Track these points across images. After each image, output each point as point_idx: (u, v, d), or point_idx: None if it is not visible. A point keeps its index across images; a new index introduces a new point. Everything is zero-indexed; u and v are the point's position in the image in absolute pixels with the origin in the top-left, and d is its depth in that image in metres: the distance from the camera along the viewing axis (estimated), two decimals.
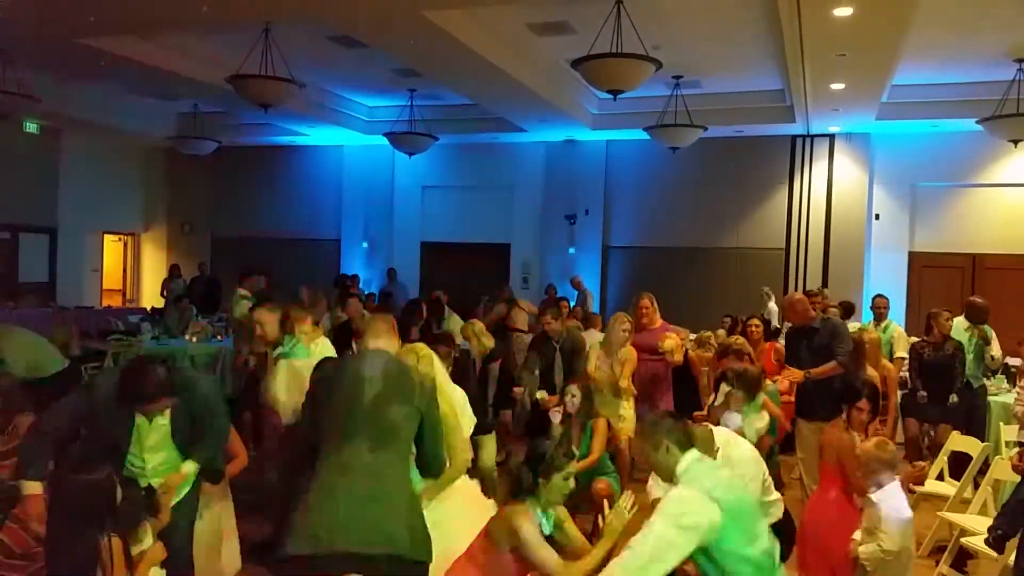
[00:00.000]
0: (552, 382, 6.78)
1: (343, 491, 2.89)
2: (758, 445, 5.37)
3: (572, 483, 3.28)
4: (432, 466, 3.30)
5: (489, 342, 7.21)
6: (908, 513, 3.59)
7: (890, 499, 3.60)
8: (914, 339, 8.80)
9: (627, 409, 6.27)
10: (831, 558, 3.82)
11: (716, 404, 5.56)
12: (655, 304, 7.01)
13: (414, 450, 3.22)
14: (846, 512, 3.93)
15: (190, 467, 3.59)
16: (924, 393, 6.95)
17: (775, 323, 12.00)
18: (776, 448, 5.99)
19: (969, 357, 7.26)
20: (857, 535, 3.68)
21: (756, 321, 7.73)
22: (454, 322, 8.70)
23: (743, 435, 4.91)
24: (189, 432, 3.55)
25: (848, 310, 9.51)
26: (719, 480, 3.05)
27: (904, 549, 3.56)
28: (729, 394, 5.51)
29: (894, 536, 3.51)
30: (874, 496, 3.65)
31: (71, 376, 6.14)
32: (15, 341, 5.83)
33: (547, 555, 3.06)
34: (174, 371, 3.45)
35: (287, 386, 4.74)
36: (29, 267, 14.48)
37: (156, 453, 3.52)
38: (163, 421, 3.48)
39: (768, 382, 6.22)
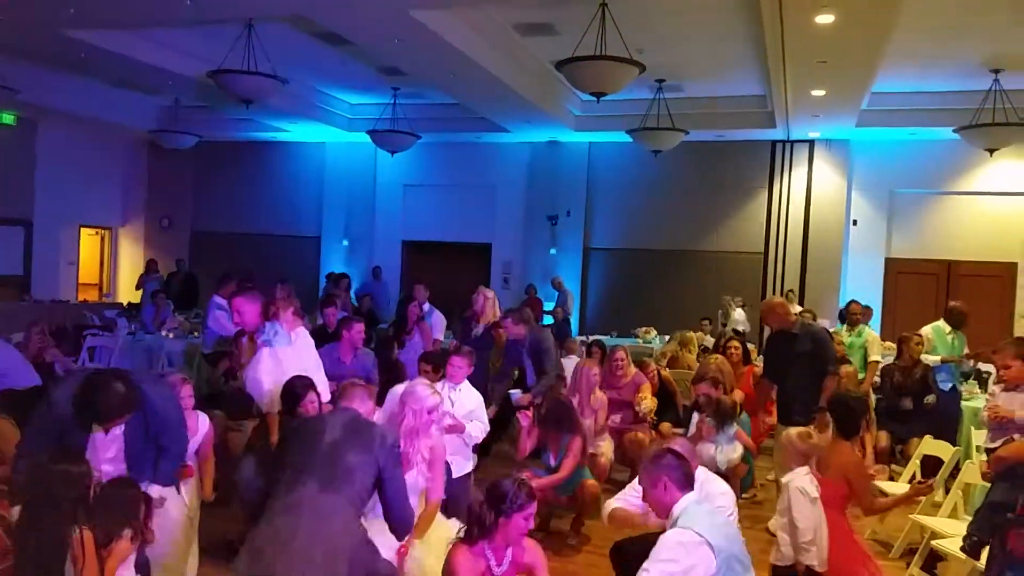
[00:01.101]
0: (525, 384, 6.90)
1: (288, 527, 2.93)
2: (733, 472, 5.45)
3: (532, 525, 3.24)
4: (396, 519, 3.30)
5: None
6: (814, 494, 3.89)
7: (798, 481, 3.91)
8: (888, 344, 8.93)
9: (607, 444, 6.41)
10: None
11: (689, 435, 5.58)
12: (629, 356, 7.11)
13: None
14: (842, 532, 4.00)
15: (156, 491, 3.51)
16: (909, 403, 7.04)
17: (739, 329, 12.14)
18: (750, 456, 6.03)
19: (950, 361, 7.39)
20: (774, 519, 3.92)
21: (736, 343, 7.56)
22: (436, 319, 8.66)
23: (716, 465, 5.01)
24: (142, 448, 3.46)
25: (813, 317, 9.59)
26: (716, 524, 3.07)
27: (818, 527, 3.85)
28: (701, 422, 5.56)
29: (805, 515, 3.82)
30: (784, 479, 4.02)
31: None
32: None
33: None
34: (132, 386, 3.31)
35: (270, 372, 4.72)
36: (4, 260, 14.29)
37: (113, 465, 3.43)
38: (118, 431, 3.40)
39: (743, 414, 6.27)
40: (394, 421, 4.05)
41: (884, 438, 7.00)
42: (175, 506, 3.85)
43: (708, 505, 3.33)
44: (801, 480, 3.94)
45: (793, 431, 4.18)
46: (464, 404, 5.13)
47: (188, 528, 4.04)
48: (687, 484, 3.14)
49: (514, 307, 8.42)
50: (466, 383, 5.25)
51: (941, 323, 7.64)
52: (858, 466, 4.23)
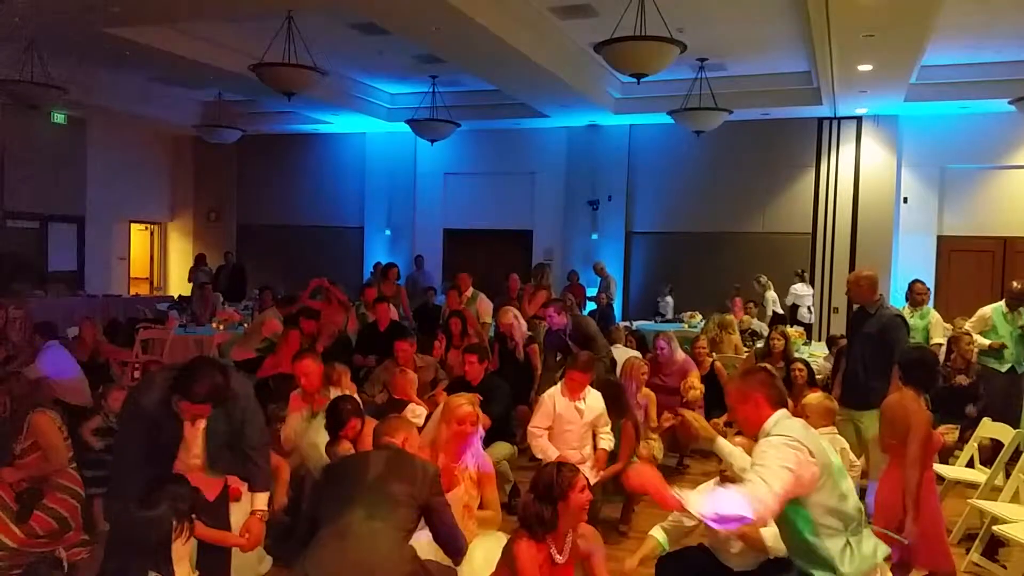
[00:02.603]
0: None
1: (336, 552, 3.04)
2: None
3: (590, 496, 3.22)
4: (447, 545, 3.35)
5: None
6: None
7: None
8: (949, 326, 8.65)
9: (656, 441, 6.29)
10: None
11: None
12: (672, 344, 7.02)
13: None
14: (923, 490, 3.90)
15: (260, 500, 3.50)
16: (973, 410, 6.77)
17: (775, 309, 11.95)
18: None
19: (1010, 343, 7.16)
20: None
21: (800, 365, 6.95)
22: (482, 302, 8.69)
23: None
24: (225, 439, 3.41)
25: None
26: (810, 435, 2.95)
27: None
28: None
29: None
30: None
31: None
32: None
33: None
34: (227, 377, 3.27)
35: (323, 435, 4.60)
36: (58, 256, 14.68)
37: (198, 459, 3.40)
38: (201, 425, 3.35)
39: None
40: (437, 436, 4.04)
41: (950, 433, 6.74)
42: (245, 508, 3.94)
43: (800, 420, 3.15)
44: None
45: (815, 396, 4.24)
46: (594, 408, 5.13)
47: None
48: (779, 402, 3.03)
49: (556, 297, 8.39)
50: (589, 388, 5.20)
51: (1001, 304, 7.40)
52: (919, 418, 3.96)
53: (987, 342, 7.24)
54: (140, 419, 3.25)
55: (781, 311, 12.10)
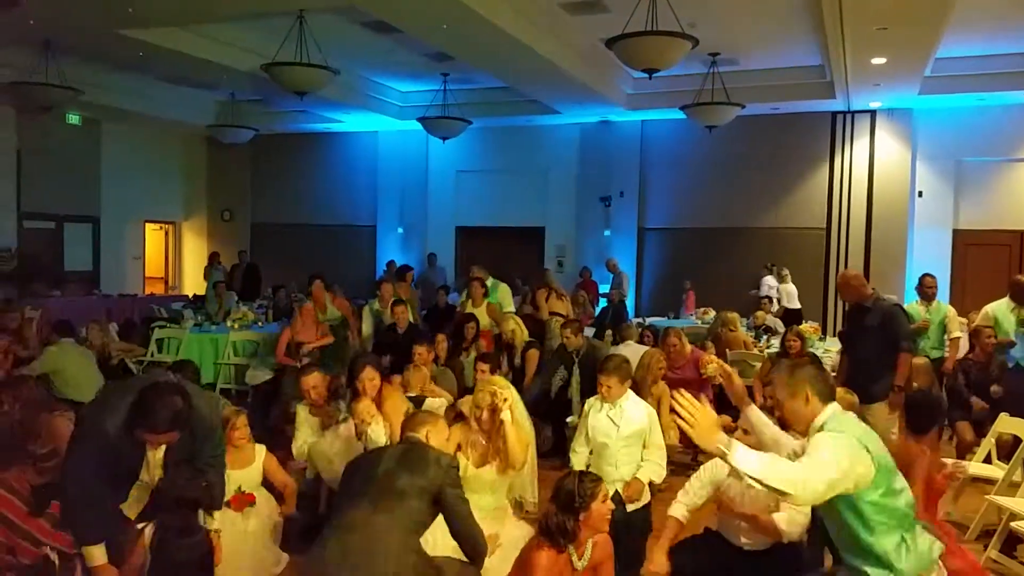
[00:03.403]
0: (566, 398, 6.73)
1: (337, 543, 3.00)
2: None
3: (611, 505, 3.22)
4: (463, 539, 3.27)
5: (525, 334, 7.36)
6: None
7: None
8: (964, 320, 8.57)
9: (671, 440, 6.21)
10: None
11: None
12: (683, 339, 6.99)
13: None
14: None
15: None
16: (986, 404, 6.61)
17: (788, 305, 11.89)
18: None
19: (1015, 340, 7.07)
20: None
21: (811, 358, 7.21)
22: (503, 292, 8.67)
23: None
24: (185, 455, 3.38)
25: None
26: (865, 430, 2.89)
27: None
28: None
29: None
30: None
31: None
32: None
33: None
34: (188, 400, 3.22)
35: (344, 455, 4.54)
36: (73, 256, 14.81)
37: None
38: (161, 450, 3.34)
39: None
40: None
41: (968, 431, 6.61)
42: (235, 528, 3.99)
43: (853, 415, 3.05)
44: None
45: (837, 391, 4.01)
46: (632, 420, 4.36)
47: (261, 549, 4.20)
48: (830, 396, 2.95)
49: (571, 317, 8.34)
50: (631, 396, 4.47)
51: (1005, 300, 7.33)
52: (916, 458, 3.95)
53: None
54: (101, 444, 3.17)
55: (798, 306, 12.01)
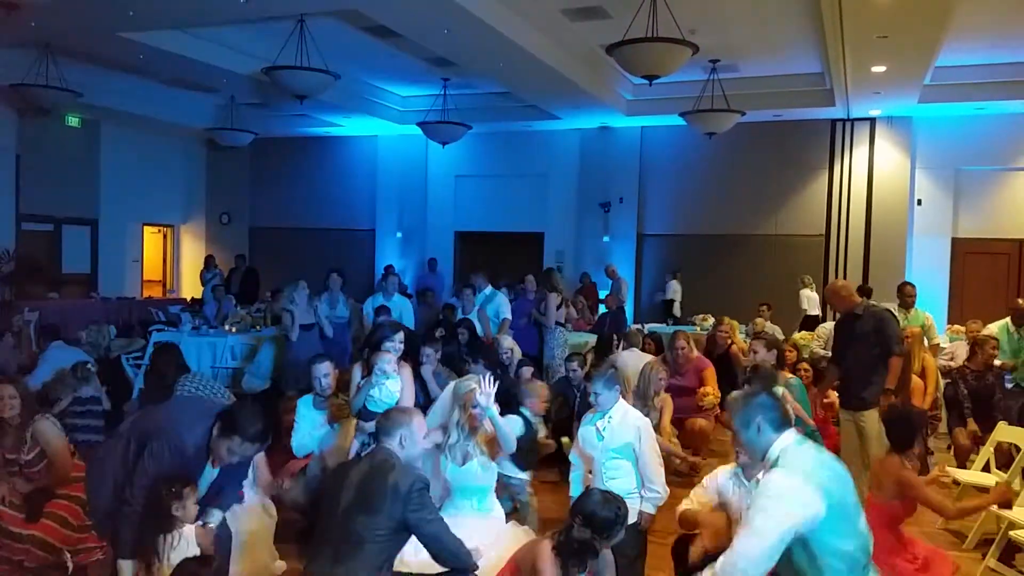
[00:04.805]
0: (570, 428, 6.65)
1: None
2: None
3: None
4: (442, 558, 3.18)
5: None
6: None
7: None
8: (957, 328, 8.61)
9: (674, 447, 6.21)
10: None
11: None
12: (690, 343, 6.99)
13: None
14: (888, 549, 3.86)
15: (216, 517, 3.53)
16: (975, 429, 6.59)
17: (808, 311, 11.86)
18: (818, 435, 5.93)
19: (1017, 361, 7.09)
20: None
21: (806, 365, 7.16)
22: (499, 302, 8.64)
23: None
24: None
25: (867, 294, 9.29)
26: (823, 463, 2.77)
27: None
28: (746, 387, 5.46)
29: None
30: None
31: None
32: None
33: None
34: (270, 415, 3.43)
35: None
36: (72, 258, 14.78)
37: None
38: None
39: (789, 375, 6.17)
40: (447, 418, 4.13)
41: (965, 437, 6.58)
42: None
43: (812, 444, 2.94)
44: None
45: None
46: (618, 434, 4.18)
47: (258, 548, 4.18)
48: (783, 424, 2.83)
49: (565, 298, 8.29)
50: (622, 406, 4.28)
51: (1007, 321, 7.34)
52: (910, 481, 4.00)
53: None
54: (175, 461, 3.27)
55: (817, 312, 11.94)
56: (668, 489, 4.28)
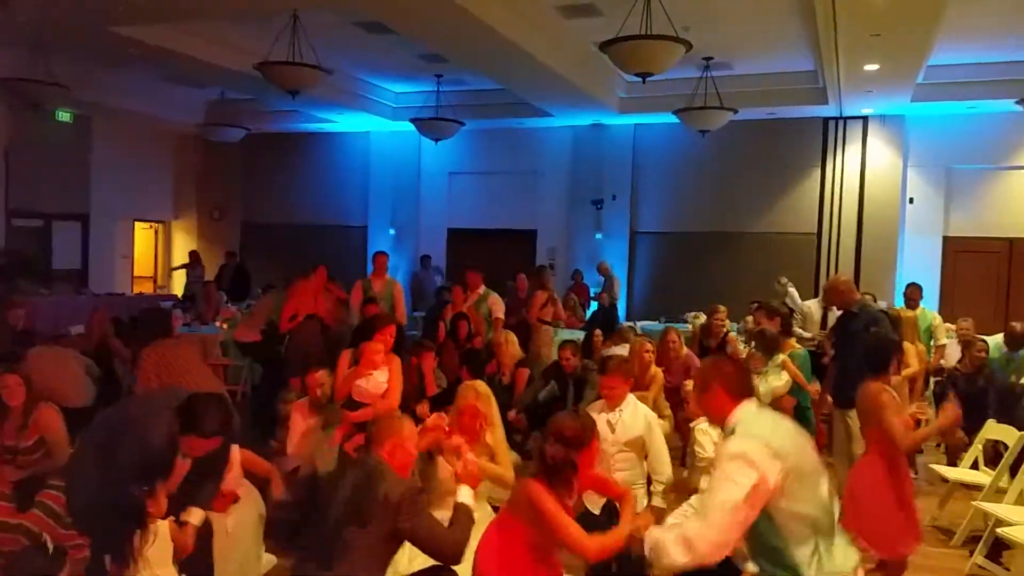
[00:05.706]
0: (554, 408, 6.71)
1: None
2: (779, 405, 5.38)
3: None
4: (439, 555, 3.15)
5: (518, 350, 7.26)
6: None
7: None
8: (950, 326, 8.65)
9: (665, 423, 6.18)
10: (863, 521, 3.82)
11: None
12: (681, 340, 7.05)
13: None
14: (878, 478, 3.96)
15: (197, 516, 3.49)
16: (964, 436, 6.66)
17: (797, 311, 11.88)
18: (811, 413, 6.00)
19: (1012, 377, 7.12)
20: None
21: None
22: (494, 301, 8.64)
23: (759, 397, 4.83)
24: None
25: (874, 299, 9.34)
26: (783, 428, 2.80)
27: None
28: (750, 355, 5.52)
29: None
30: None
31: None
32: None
33: (572, 529, 2.93)
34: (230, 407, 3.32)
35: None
36: (62, 254, 14.68)
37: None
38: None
39: (795, 344, 6.25)
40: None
41: (960, 433, 6.63)
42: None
43: (771, 411, 2.97)
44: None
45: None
46: (628, 427, 4.25)
47: (247, 543, 4.15)
48: (742, 393, 2.84)
49: (555, 297, 8.28)
50: (632, 402, 4.37)
51: (1000, 340, 7.38)
52: (883, 402, 4.03)
53: None
54: (142, 455, 3.17)
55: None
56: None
